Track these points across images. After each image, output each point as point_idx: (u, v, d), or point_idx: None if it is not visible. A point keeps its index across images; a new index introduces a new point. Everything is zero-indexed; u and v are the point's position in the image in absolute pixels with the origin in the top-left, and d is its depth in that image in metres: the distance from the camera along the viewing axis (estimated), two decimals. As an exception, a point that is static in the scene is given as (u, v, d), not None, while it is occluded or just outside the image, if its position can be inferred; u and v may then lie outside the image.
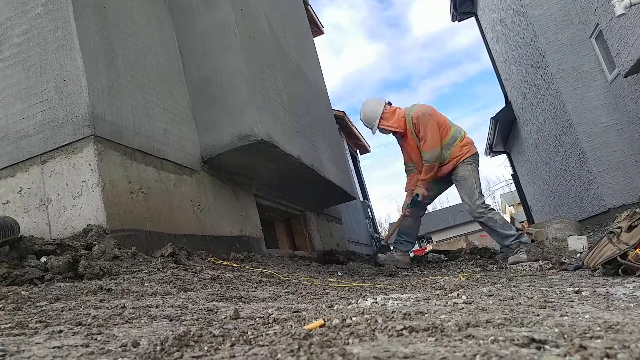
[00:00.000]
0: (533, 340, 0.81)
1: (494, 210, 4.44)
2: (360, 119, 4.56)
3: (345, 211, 8.87)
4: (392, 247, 4.72)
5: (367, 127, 4.55)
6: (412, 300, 1.54)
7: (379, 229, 20.63)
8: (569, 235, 5.31)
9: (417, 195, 4.43)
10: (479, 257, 4.78)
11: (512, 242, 4.22)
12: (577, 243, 4.07)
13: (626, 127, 8.02)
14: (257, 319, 1.29)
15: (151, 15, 3.81)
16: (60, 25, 2.87)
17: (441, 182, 4.64)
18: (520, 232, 4.41)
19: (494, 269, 3.80)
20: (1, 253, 2.16)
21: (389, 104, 4.56)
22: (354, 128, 12.82)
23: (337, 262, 5.20)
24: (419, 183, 4.44)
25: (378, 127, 4.47)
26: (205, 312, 1.44)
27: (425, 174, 4.38)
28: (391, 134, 4.58)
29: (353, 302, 1.59)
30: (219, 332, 1.03)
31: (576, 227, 6.23)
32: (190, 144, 3.76)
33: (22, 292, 1.67)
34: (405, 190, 4.76)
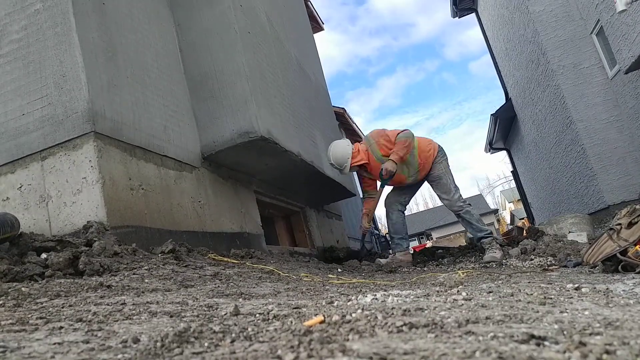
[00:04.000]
0: (533, 336, 0.81)
1: (471, 205, 4.59)
2: (331, 163, 4.62)
3: (345, 208, 8.87)
4: (391, 251, 4.75)
5: (338, 168, 4.64)
6: (412, 297, 1.55)
7: (379, 225, 20.61)
8: (569, 232, 5.32)
9: (381, 170, 4.43)
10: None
11: (486, 235, 4.35)
12: (577, 239, 4.10)
13: (627, 123, 8.00)
14: (257, 315, 1.29)
15: (151, 11, 3.80)
16: (59, 21, 2.86)
17: (413, 185, 4.78)
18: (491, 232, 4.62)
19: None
20: (1, 249, 2.17)
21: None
22: (353, 124, 12.79)
23: (337, 260, 5.20)
24: (391, 156, 4.37)
25: (350, 167, 4.55)
26: (206, 309, 1.44)
27: (399, 149, 4.30)
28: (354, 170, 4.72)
29: (353, 298, 1.59)
30: (219, 329, 1.03)
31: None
32: (190, 141, 3.76)
33: (23, 289, 1.68)
34: (365, 209, 4.86)
